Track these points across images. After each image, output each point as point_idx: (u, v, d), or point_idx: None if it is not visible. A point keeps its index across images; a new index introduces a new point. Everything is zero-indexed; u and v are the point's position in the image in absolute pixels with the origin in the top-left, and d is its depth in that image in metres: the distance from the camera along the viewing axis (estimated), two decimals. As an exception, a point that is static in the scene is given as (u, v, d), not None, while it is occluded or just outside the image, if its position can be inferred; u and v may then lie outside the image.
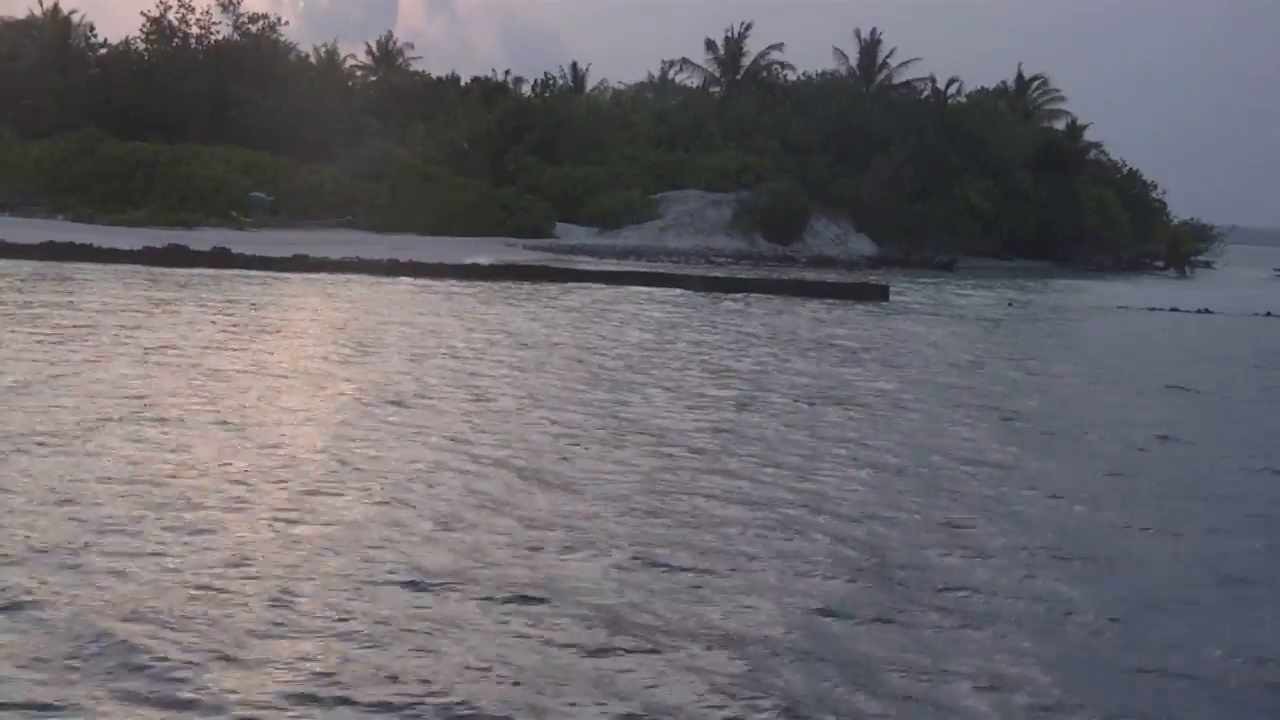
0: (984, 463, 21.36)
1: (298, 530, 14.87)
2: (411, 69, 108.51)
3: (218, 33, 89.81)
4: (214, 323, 33.90)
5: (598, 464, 19.36)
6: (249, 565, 13.41)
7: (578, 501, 16.99)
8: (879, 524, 16.73)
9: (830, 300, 57.41)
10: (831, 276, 70.81)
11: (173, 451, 18.34)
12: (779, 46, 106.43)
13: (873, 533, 16.27)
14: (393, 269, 54.31)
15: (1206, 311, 64.50)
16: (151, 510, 15.15)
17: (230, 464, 17.84)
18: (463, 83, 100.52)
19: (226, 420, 20.90)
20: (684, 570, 14.19)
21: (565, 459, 19.59)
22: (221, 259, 52.52)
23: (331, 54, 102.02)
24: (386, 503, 16.36)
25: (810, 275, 71.04)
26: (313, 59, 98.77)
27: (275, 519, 15.20)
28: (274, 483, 16.95)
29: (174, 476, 16.85)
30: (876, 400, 27.83)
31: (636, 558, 14.51)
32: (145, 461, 17.56)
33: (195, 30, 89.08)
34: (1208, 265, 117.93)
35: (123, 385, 23.31)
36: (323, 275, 51.51)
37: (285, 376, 26.02)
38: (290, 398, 23.61)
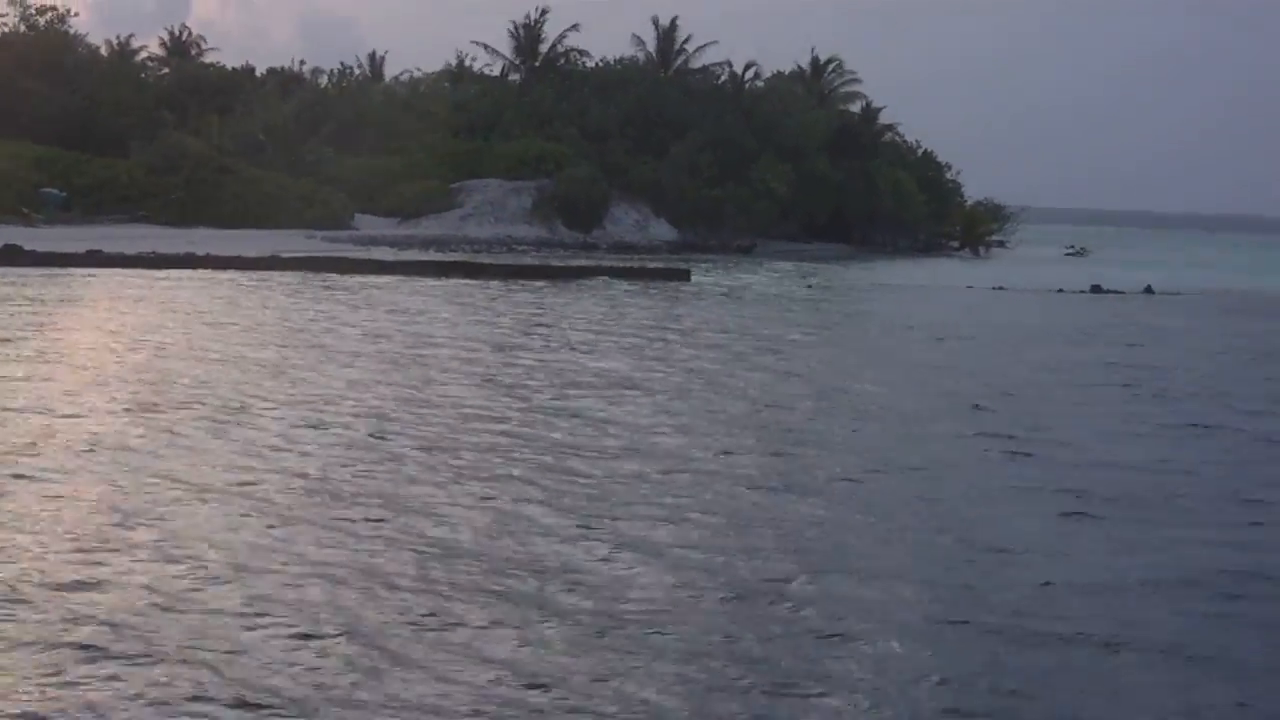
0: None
1: None
2: (206, 60, 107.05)
3: (4, 25, 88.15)
4: None
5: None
6: None
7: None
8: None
9: (633, 283, 58.03)
10: (633, 262, 71.32)
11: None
12: (575, 27, 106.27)
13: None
14: (189, 263, 53.79)
15: (1000, 289, 65.94)
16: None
17: None
18: (258, 73, 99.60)
19: None
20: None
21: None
22: (11, 256, 51.59)
23: (124, 46, 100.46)
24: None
25: (607, 261, 71.46)
26: (104, 51, 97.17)
27: None
28: None
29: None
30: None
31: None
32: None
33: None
34: (1001, 245, 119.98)
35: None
36: (117, 271, 50.81)
37: None
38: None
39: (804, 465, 20.28)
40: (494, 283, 54.95)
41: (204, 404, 22.83)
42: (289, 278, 51.16)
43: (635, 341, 35.94)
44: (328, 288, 48.02)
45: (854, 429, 23.87)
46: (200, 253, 55.54)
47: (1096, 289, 67.72)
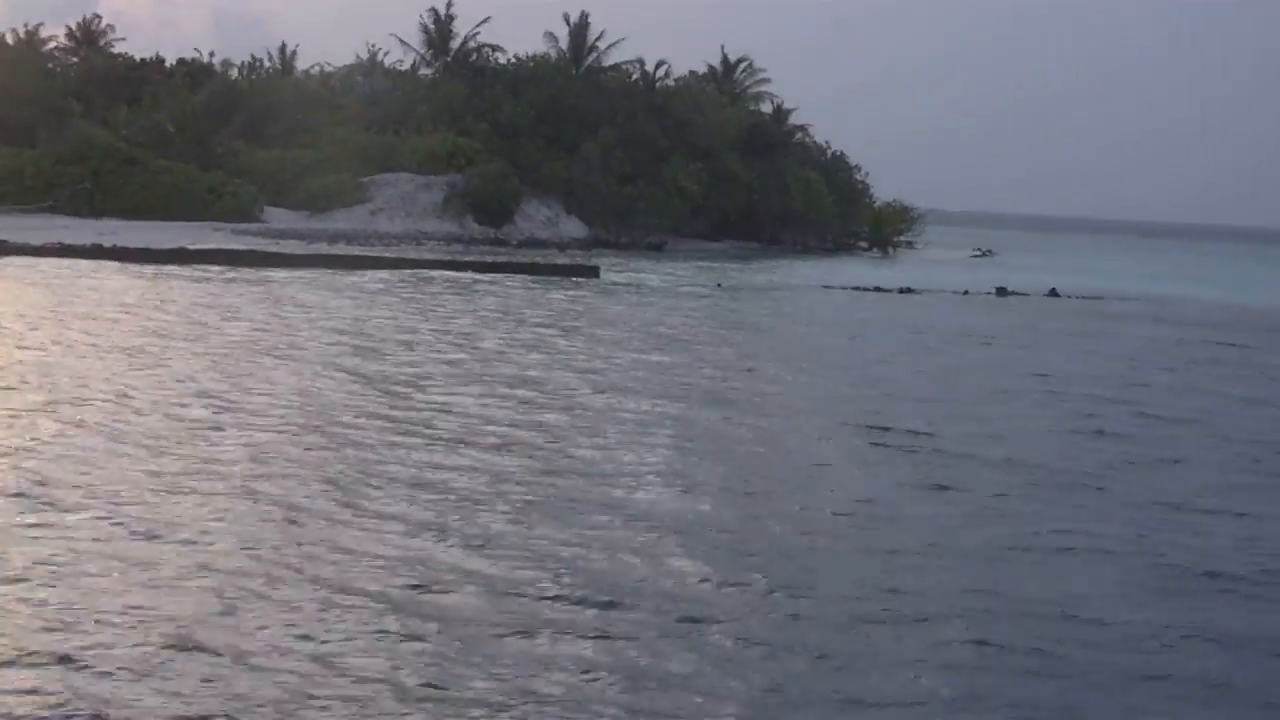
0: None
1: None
2: (115, 51, 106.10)
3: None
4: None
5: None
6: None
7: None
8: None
9: (542, 279, 58.28)
10: (541, 258, 71.37)
11: None
12: (487, 20, 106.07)
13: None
14: (96, 254, 53.48)
15: (909, 290, 66.19)
16: None
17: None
18: (168, 64, 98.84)
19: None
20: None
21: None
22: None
23: (32, 35, 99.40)
24: None
25: (505, 256, 71.45)
26: (11, 40, 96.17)
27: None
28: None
29: None
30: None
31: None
32: None
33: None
34: (909, 246, 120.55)
35: None
36: (25, 260, 50.38)
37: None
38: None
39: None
40: (401, 274, 54.98)
41: None
42: (190, 269, 51.02)
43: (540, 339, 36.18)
44: (232, 280, 47.92)
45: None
46: (108, 244, 55.23)
47: (1002, 291, 68.37)
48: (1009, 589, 14.84)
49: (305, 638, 12.03)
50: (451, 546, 15.11)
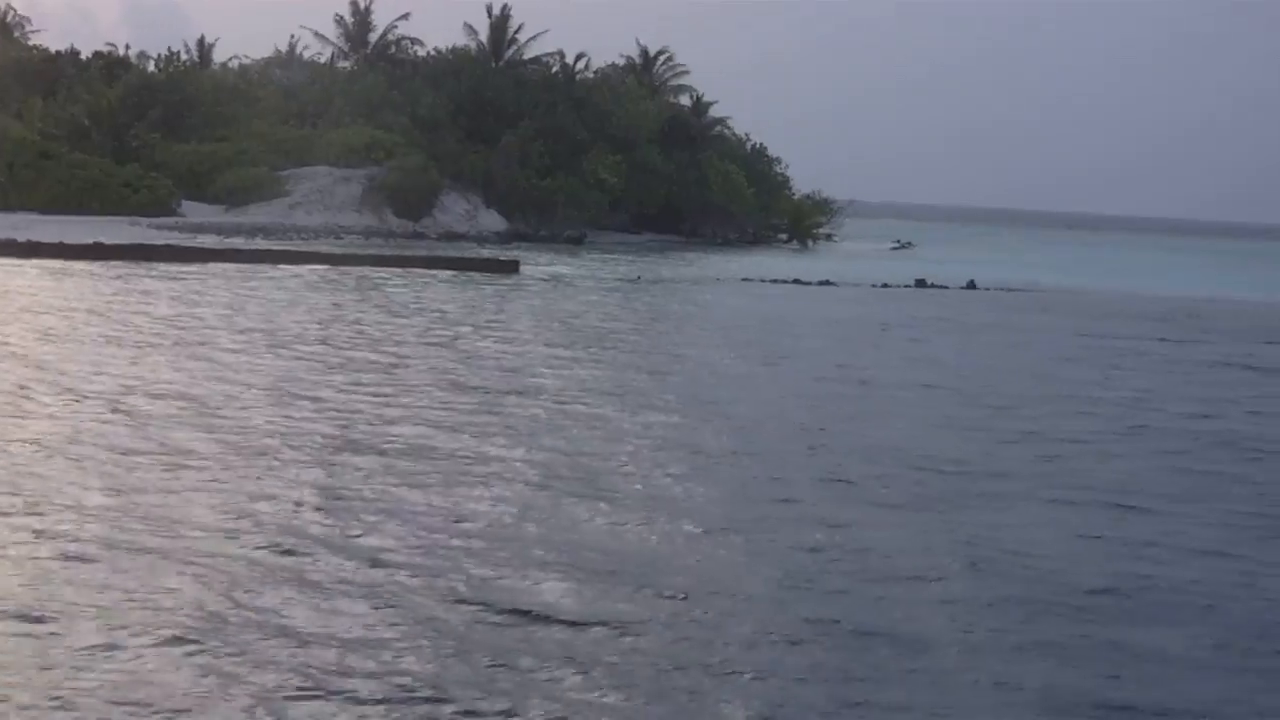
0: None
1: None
2: (30, 43, 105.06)
3: None
4: None
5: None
6: None
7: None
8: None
9: (462, 274, 58.13)
10: (457, 252, 71.14)
11: None
12: (405, 17, 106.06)
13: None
14: (9, 249, 52.86)
15: (828, 283, 66.37)
16: None
17: None
18: (83, 57, 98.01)
19: None
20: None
21: None
22: None
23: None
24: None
25: (423, 251, 71.14)
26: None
27: None
28: None
29: None
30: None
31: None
32: None
33: None
34: (829, 238, 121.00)
35: None
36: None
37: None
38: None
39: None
40: (319, 268, 54.73)
41: None
42: (111, 265, 50.63)
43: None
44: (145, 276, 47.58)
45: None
46: (21, 239, 54.69)
47: (921, 283, 68.75)
48: (942, 589, 14.89)
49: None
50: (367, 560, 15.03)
